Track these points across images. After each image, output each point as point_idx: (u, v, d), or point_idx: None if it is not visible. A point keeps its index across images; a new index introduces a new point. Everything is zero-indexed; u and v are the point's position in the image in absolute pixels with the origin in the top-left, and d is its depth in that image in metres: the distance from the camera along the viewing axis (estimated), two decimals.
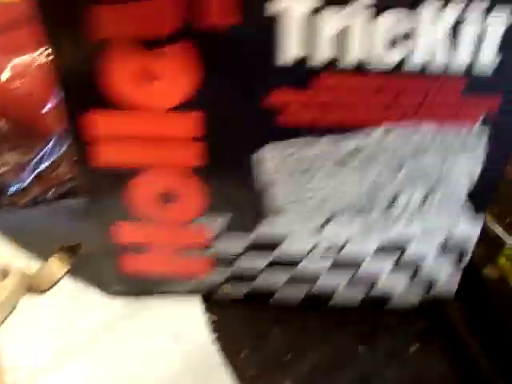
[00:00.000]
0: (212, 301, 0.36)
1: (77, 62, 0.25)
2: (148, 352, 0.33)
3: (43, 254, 0.38)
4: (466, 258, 0.33)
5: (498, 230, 0.42)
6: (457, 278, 0.34)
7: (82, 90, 0.26)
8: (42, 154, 0.43)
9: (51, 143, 0.43)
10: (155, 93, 0.26)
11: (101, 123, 0.27)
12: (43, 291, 0.37)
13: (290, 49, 0.24)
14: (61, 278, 0.38)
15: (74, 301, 0.37)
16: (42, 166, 0.43)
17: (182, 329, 0.35)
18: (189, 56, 0.25)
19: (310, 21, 0.23)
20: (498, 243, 0.41)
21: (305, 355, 0.33)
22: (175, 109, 0.27)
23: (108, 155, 0.29)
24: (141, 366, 0.32)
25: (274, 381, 0.32)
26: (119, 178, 0.30)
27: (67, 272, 0.38)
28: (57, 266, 0.38)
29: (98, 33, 0.24)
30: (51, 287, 0.37)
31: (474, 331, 0.36)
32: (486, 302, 0.37)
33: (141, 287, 0.35)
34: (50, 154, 0.43)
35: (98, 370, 0.32)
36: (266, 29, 0.24)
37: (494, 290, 0.38)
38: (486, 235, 0.41)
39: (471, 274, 0.39)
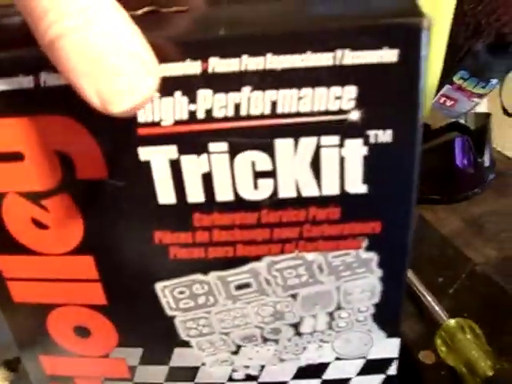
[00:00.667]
0: None
1: None
2: None
3: None
4: (393, 376, 0.32)
5: (436, 311, 0.41)
6: None
7: None
8: None
9: None
10: (49, 239, 0.27)
11: (10, 265, 0.29)
12: None
13: (163, 193, 0.25)
14: None
15: None
16: None
17: None
18: (69, 207, 0.26)
19: (173, 168, 0.24)
20: (436, 325, 0.40)
21: None
22: (69, 253, 0.28)
23: (21, 293, 0.30)
24: None
25: None
26: (37, 312, 0.31)
27: None
28: None
29: None
30: None
31: None
32: None
33: None
34: None
35: None
36: (137, 177, 0.25)
37: (430, 376, 0.38)
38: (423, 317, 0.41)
39: (407, 358, 0.38)
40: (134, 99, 0.19)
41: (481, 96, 1.03)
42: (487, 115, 0.68)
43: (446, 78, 0.99)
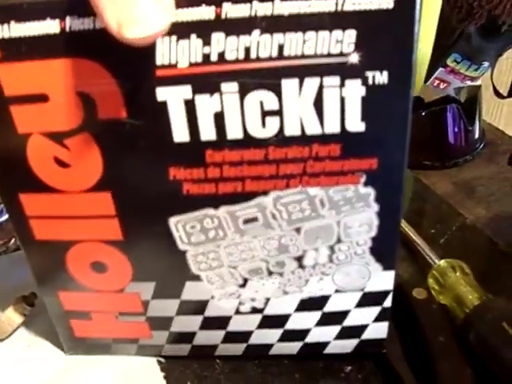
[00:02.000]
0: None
1: (8, 151, 0.29)
2: None
3: (3, 303, 0.41)
4: (388, 308, 0.34)
5: (428, 252, 0.44)
6: (384, 323, 0.35)
7: (14, 173, 0.30)
8: (1, 206, 0.47)
9: None
10: (70, 177, 0.30)
11: (33, 203, 0.31)
12: (0, 340, 0.40)
13: (178, 131, 0.27)
14: (17, 328, 0.41)
15: (29, 350, 0.39)
16: (3, 218, 0.47)
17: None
18: (90, 145, 0.28)
19: (188, 108, 0.26)
20: (428, 267, 0.43)
21: None
22: (88, 190, 0.30)
23: (42, 230, 0.32)
24: None
25: None
26: (56, 250, 0.33)
27: (23, 322, 0.41)
28: (13, 315, 0.40)
29: (21, 127, 0.28)
30: (8, 336, 0.40)
31: (407, 357, 0.37)
32: (414, 322, 0.39)
33: (92, 349, 0.38)
34: None
35: None
36: (154, 116, 0.27)
37: (422, 310, 0.40)
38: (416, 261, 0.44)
39: (401, 296, 0.40)
40: (146, 29, 0.22)
41: (473, 79, 1.05)
42: (477, 87, 0.70)
43: (439, 60, 1.00)
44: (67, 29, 0.25)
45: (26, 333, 0.41)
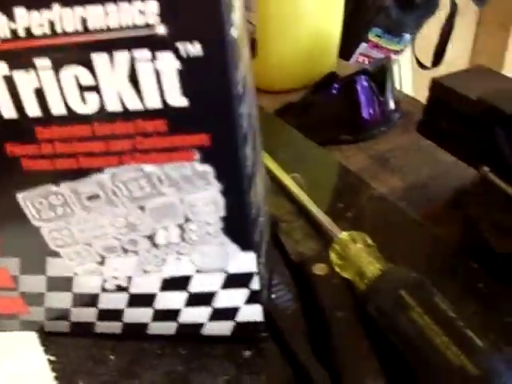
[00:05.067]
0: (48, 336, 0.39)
1: None
2: None
3: None
4: (257, 291, 0.34)
5: (329, 226, 0.43)
6: (257, 306, 0.35)
7: None
8: None
9: None
10: None
11: None
12: None
13: (5, 108, 0.27)
14: None
15: None
16: None
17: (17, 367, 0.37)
18: None
19: (8, 84, 0.27)
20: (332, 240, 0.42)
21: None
22: None
23: None
24: None
25: None
26: None
27: None
28: None
29: None
30: None
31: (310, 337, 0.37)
32: (315, 299, 0.39)
33: None
34: None
35: None
36: None
37: (322, 286, 0.40)
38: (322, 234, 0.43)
39: (303, 273, 0.40)
40: None
41: (397, 52, 1.05)
42: (387, 58, 0.70)
43: (361, 36, 1.00)
44: None
45: None
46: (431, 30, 1.09)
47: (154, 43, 0.25)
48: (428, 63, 1.05)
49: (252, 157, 0.31)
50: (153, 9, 0.24)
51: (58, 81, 0.26)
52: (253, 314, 0.35)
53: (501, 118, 0.45)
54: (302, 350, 0.36)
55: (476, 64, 0.57)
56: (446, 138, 0.53)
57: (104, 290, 0.35)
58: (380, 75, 0.63)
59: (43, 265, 0.34)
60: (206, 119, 0.27)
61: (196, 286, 0.34)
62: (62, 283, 0.35)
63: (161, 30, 0.25)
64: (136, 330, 0.37)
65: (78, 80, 0.26)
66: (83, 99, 0.27)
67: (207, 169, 0.29)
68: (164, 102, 0.27)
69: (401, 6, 0.93)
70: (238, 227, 0.32)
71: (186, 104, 0.27)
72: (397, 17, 0.94)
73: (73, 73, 0.26)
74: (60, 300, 0.36)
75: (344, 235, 0.42)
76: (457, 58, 1.61)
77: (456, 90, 0.50)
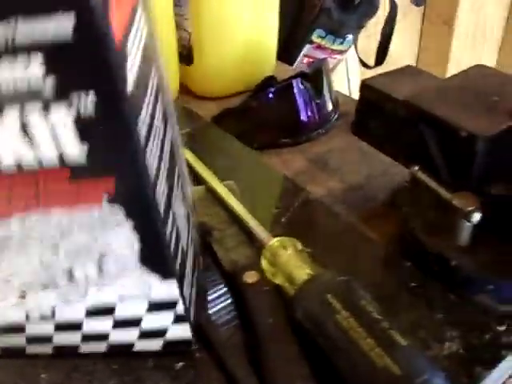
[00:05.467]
0: None
1: None
2: None
3: None
4: (182, 314, 0.35)
5: (260, 234, 0.44)
6: (185, 325, 0.36)
7: None
8: None
9: None
10: None
11: None
12: None
13: None
14: None
15: None
16: None
17: None
18: None
19: None
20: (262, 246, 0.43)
21: None
22: None
23: None
24: None
25: None
26: None
27: None
28: None
29: None
30: None
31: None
32: (245, 308, 0.40)
33: None
34: None
35: None
36: None
37: (252, 294, 0.41)
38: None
39: (234, 282, 0.41)
40: None
41: (341, 52, 1.06)
42: (323, 59, 0.70)
43: (304, 37, 1.01)
44: None
45: None
46: (376, 28, 1.11)
47: (43, 96, 0.25)
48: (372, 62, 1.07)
49: (166, 187, 0.32)
50: (38, 60, 0.24)
51: None
52: (181, 331, 0.36)
53: (426, 119, 0.45)
54: (233, 362, 0.37)
55: (407, 65, 0.58)
56: (378, 138, 0.53)
57: (28, 319, 0.35)
58: (317, 77, 0.64)
59: None
60: (109, 164, 0.28)
61: (121, 312, 0.35)
62: None
63: (49, 83, 0.25)
64: (67, 351, 0.37)
65: None
66: None
67: (116, 209, 0.29)
68: (61, 152, 0.27)
69: (342, 6, 0.95)
70: (155, 258, 0.32)
71: (85, 152, 0.27)
72: (339, 18, 0.95)
73: None
74: None
75: (274, 242, 0.43)
76: (404, 55, 1.63)
77: (384, 91, 0.51)
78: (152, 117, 0.29)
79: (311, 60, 1.02)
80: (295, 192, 0.54)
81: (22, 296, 0.34)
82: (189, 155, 0.56)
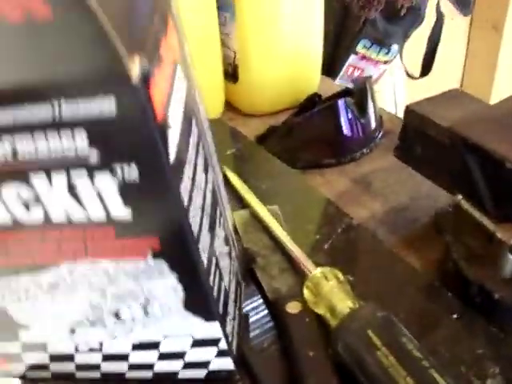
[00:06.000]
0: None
1: None
2: None
3: None
4: (224, 346, 0.36)
5: (304, 262, 0.44)
6: (227, 358, 0.37)
7: None
8: None
9: None
10: None
11: None
12: None
13: None
14: None
15: None
16: None
17: None
18: None
19: None
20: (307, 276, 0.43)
21: None
22: None
23: None
24: None
25: None
26: None
27: None
28: None
29: None
30: None
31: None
32: (287, 338, 0.40)
33: None
34: None
35: None
36: None
37: (294, 325, 0.41)
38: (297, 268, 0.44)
39: (276, 311, 0.42)
40: None
41: (386, 62, 1.04)
42: (368, 77, 0.69)
43: (349, 48, 1.00)
44: None
45: None
46: (421, 39, 1.09)
47: (89, 164, 0.26)
48: (418, 73, 1.05)
49: (209, 236, 0.32)
50: (82, 135, 0.25)
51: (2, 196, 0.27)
52: (224, 364, 0.37)
53: (471, 147, 0.45)
54: None
55: (453, 88, 0.57)
56: (421, 163, 0.53)
57: (77, 350, 0.36)
58: (361, 95, 0.63)
59: (16, 334, 0.36)
60: (153, 224, 0.29)
61: (165, 347, 0.36)
62: (37, 347, 0.37)
63: (93, 154, 0.26)
64: (114, 377, 0.39)
65: (19, 194, 0.27)
66: (28, 209, 0.28)
67: (161, 263, 0.30)
68: (107, 213, 0.28)
69: (387, 17, 0.94)
70: (198, 304, 0.33)
71: (130, 213, 0.28)
72: (384, 28, 0.94)
73: (13, 190, 0.27)
74: (37, 359, 0.38)
75: (317, 273, 0.43)
76: (451, 61, 1.59)
77: (429, 117, 0.50)
78: (194, 172, 0.30)
79: (355, 70, 1.01)
80: (338, 217, 0.54)
81: (72, 331, 0.35)
82: (233, 178, 0.57)
